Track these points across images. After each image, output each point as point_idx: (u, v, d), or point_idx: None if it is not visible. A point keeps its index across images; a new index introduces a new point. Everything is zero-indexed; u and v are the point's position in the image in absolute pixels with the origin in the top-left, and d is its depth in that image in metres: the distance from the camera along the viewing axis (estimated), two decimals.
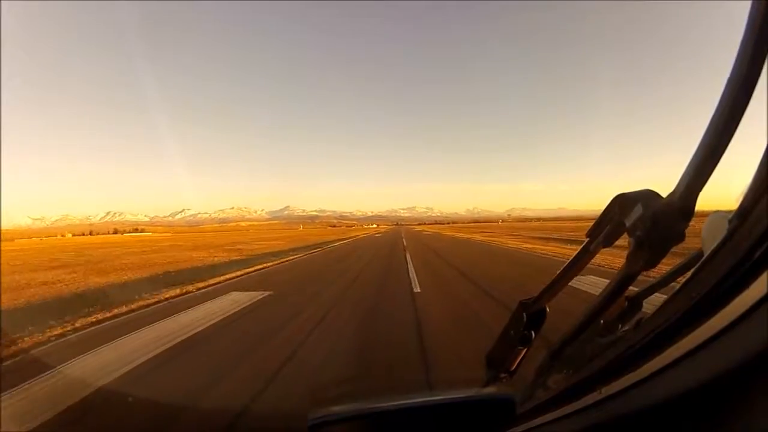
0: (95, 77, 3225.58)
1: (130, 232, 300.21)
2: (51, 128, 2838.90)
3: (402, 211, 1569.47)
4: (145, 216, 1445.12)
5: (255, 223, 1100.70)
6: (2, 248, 40.36)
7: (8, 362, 3.49)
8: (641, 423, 0.46)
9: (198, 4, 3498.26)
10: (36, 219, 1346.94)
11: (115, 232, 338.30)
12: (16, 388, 2.82)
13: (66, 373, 3.22)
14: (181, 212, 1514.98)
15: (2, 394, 2.74)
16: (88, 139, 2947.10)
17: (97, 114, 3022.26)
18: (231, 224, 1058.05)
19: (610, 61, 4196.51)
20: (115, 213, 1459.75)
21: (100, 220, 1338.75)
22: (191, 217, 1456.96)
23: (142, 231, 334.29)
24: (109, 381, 2.94)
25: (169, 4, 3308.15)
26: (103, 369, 3.17)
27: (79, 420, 2.42)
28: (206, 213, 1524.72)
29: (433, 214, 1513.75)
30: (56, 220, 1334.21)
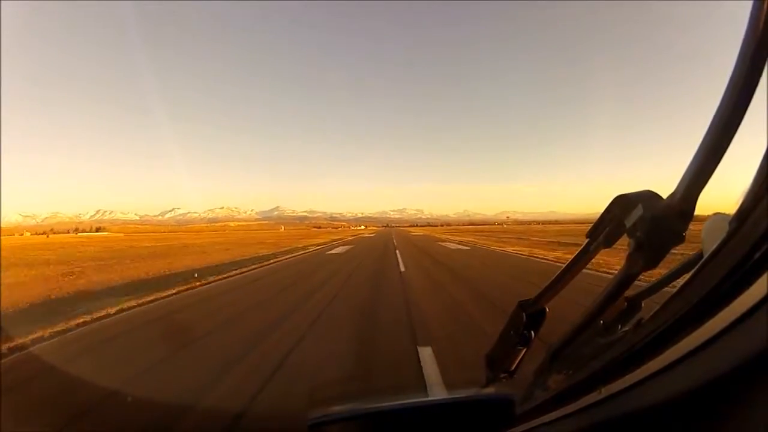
0: (90, 76, 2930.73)
1: (88, 232, 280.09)
2: (43, 125, 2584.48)
3: (392, 213, 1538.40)
4: (135, 215, 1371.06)
5: (243, 223, 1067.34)
6: None
7: None
8: (641, 423, 0.45)
9: (194, 3, 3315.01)
10: (27, 216, 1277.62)
11: (76, 230, 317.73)
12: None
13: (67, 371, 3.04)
14: (170, 211, 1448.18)
15: (2, 393, 2.70)
16: (80, 137, 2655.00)
17: (89, 112, 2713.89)
18: (219, 224, 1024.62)
19: (607, 61, 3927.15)
20: (105, 211, 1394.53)
21: (90, 218, 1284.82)
22: (181, 217, 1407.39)
23: (100, 230, 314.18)
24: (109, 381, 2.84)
25: (167, 4, 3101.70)
26: None
27: (80, 419, 2.36)
28: (195, 212, 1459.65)
29: (423, 216, 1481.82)
30: (46, 217, 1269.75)
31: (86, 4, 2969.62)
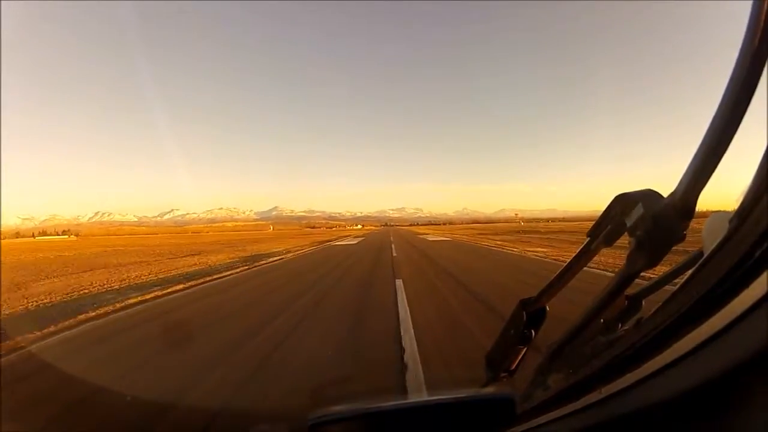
0: (89, 76, 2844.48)
1: (52, 235, 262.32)
2: (43, 126, 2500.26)
3: (391, 212, 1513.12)
4: (134, 216, 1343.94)
5: (241, 223, 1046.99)
6: None
7: None
8: (641, 423, 0.45)
9: (193, 3, 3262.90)
10: (25, 218, 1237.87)
11: (41, 234, 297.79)
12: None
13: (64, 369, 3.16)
14: (169, 212, 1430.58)
15: (2, 393, 2.68)
16: (80, 138, 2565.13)
17: (89, 113, 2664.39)
18: (218, 225, 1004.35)
19: (607, 61, 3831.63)
20: (103, 213, 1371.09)
21: (88, 220, 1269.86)
22: (179, 218, 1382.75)
23: (65, 234, 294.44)
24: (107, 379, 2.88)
25: (166, 4, 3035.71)
26: None
27: (79, 418, 2.37)
28: (194, 213, 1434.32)
29: (422, 215, 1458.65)
30: (44, 219, 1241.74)
31: (86, 4, 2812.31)
